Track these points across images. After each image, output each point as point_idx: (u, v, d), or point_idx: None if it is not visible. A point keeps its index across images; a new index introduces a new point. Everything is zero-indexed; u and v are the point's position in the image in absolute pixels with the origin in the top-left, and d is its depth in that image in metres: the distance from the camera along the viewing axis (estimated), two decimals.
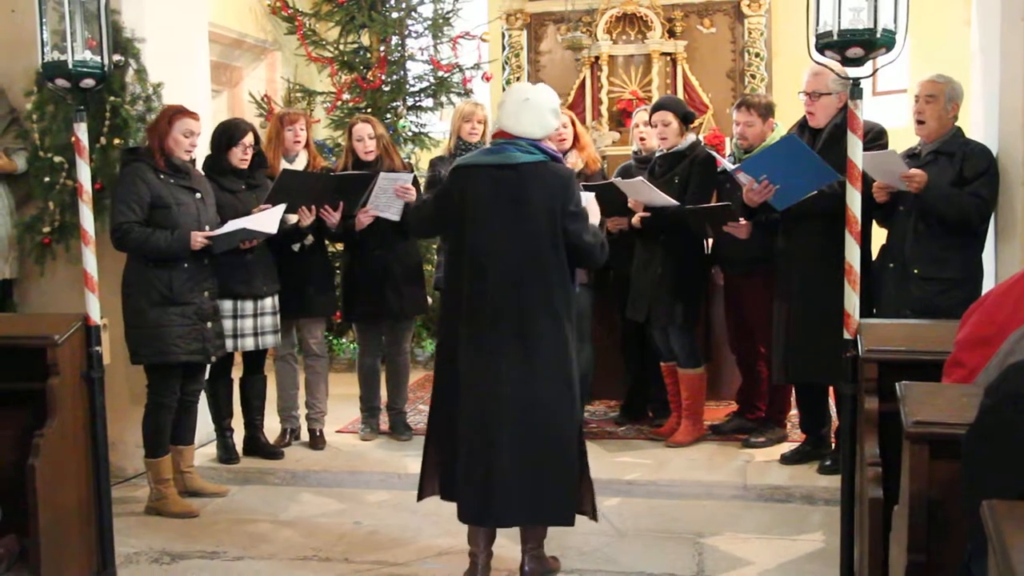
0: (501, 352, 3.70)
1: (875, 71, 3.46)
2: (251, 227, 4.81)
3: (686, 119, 5.40)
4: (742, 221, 5.03)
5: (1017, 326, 2.24)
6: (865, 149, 3.67)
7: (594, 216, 4.19)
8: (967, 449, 1.98)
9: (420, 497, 3.98)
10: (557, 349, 3.74)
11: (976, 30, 5.19)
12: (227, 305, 5.05)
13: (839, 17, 3.25)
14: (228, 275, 4.99)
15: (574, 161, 5.69)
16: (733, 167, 4.94)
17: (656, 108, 5.53)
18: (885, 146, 4.66)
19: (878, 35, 3.24)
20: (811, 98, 4.88)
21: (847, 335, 3.49)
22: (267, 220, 4.88)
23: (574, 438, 3.82)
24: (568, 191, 3.75)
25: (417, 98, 8.23)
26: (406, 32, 8.22)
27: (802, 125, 5.02)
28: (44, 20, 3.68)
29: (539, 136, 3.79)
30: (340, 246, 6.22)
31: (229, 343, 5.09)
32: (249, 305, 5.17)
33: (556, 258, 3.74)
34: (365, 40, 8.25)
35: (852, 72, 3.40)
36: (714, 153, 5.38)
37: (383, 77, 7.97)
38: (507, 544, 4.06)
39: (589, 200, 4.52)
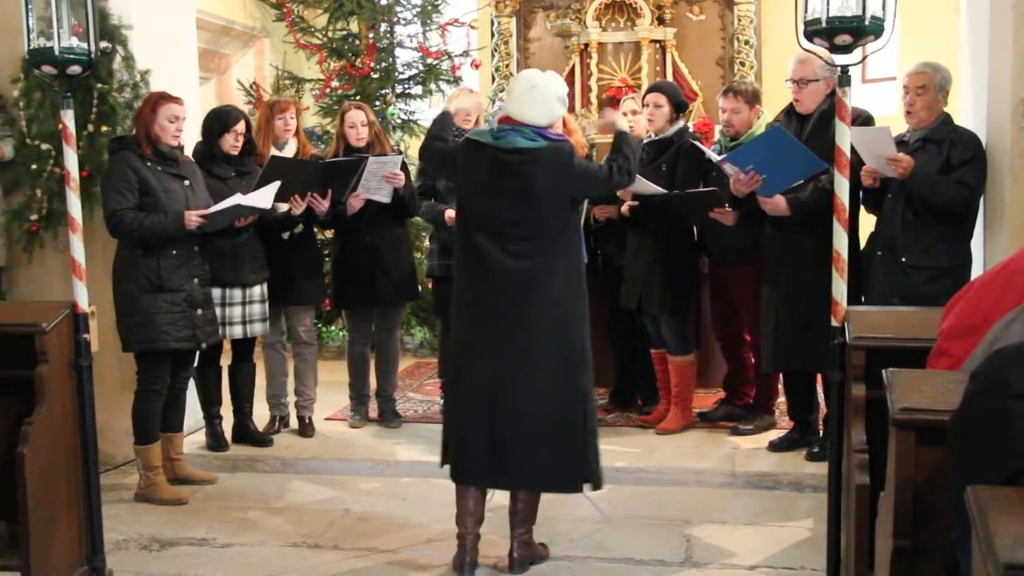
0: (501, 319, 3.74)
1: (864, 59, 3.46)
2: (246, 203, 4.81)
3: (679, 107, 5.41)
4: (728, 208, 5.04)
5: (1002, 314, 2.23)
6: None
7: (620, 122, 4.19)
8: (952, 436, 1.98)
9: (442, 464, 3.99)
10: (561, 314, 3.76)
11: (965, 18, 5.20)
12: (216, 293, 5.05)
13: (827, 4, 3.24)
14: (217, 263, 4.99)
15: None
16: (719, 158, 4.94)
17: (651, 89, 5.55)
18: None
19: (866, 22, 3.23)
20: (798, 85, 4.88)
21: (835, 322, 3.50)
22: (261, 196, 4.88)
23: (579, 404, 3.80)
24: (569, 165, 3.75)
25: (406, 85, 8.19)
26: (395, 19, 8.18)
27: (789, 112, 5.03)
28: (30, 6, 3.64)
29: (543, 124, 3.77)
30: (329, 233, 6.20)
31: (218, 331, 5.08)
32: (237, 293, 5.17)
33: (560, 233, 3.75)
34: (354, 27, 8.20)
35: (841, 60, 3.39)
36: (698, 144, 5.36)
37: (372, 64, 7.93)
38: (496, 531, 4.07)
39: (615, 116, 4.44)
